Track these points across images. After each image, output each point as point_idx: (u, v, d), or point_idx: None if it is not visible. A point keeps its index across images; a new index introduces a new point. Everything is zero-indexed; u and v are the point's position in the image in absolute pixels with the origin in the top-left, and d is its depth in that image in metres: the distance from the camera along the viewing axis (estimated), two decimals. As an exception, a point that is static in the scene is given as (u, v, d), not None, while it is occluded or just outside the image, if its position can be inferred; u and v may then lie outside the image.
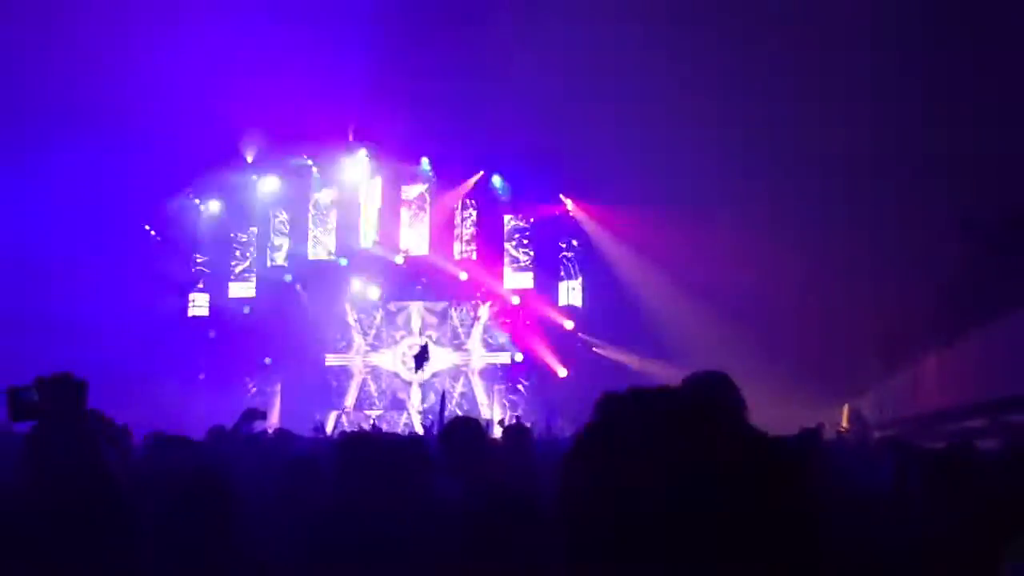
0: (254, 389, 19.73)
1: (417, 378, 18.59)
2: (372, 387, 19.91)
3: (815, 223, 14.66)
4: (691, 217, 15.85)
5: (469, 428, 3.69)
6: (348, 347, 20.16)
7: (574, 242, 19.49)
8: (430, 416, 14.36)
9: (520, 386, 19.16)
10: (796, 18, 13.96)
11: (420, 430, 11.41)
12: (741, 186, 15.37)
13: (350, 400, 19.84)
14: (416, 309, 20.05)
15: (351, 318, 20.20)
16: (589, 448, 1.10)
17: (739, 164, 15.34)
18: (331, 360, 20.12)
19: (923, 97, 13.08)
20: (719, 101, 15.10)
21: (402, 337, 19.80)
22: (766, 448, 1.09)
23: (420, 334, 19.51)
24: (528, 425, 7.24)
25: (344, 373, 20.09)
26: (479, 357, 19.58)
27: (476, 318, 19.71)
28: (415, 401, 19.28)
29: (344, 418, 19.04)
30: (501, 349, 19.49)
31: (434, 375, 18.97)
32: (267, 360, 19.98)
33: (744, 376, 2.79)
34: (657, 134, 15.81)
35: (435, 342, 19.05)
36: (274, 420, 17.79)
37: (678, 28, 14.93)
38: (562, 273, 19.57)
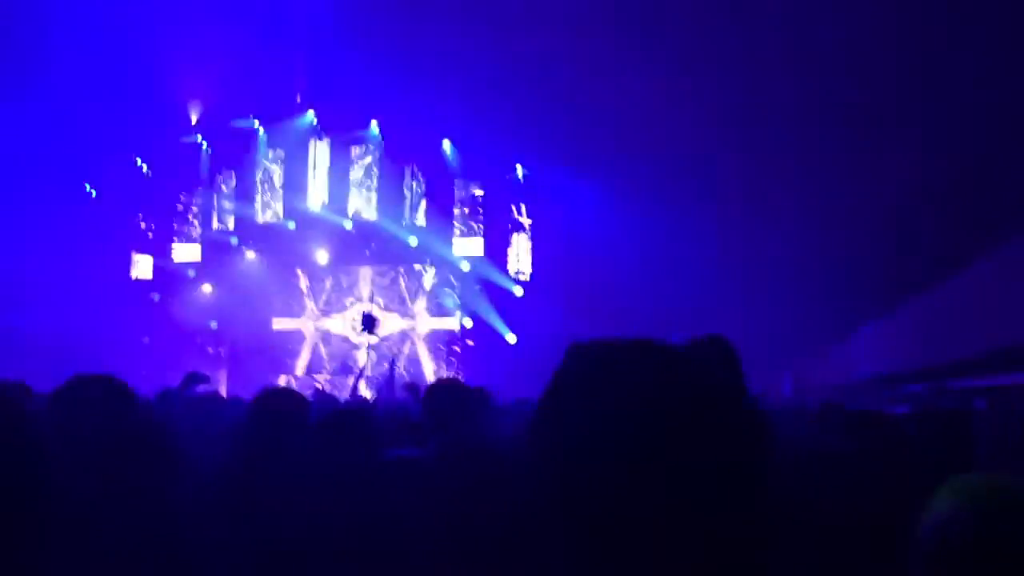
0: (211, 351, 19.50)
1: (364, 341, 18.49)
2: (324, 351, 19.77)
3: (766, 190, 14.80)
4: (644, 185, 15.91)
5: (453, 391, 3.66)
6: (299, 311, 19.96)
7: (524, 209, 19.42)
8: (378, 379, 14.33)
9: (457, 347, 19.15)
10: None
11: (367, 394, 11.37)
12: (697, 153, 15.43)
13: (301, 364, 19.68)
14: (365, 274, 19.90)
15: (303, 283, 19.99)
16: (559, 401, 1.03)
17: (696, 130, 15.36)
18: (279, 324, 19.91)
19: (894, 64, 13.23)
20: (681, 66, 15.10)
21: (351, 303, 19.64)
22: (759, 414, 1.03)
23: (369, 300, 19.39)
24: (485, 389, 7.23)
25: (294, 337, 19.90)
26: (426, 322, 19.51)
27: (423, 285, 19.62)
28: (363, 365, 19.17)
29: (292, 382, 18.88)
30: (448, 314, 19.45)
31: (383, 340, 18.86)
32: (213, 324, 19.70)
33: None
34: (613, 100, 15.79)
35: (383, 308, 18.95)
36: (222, 385, 17.61)
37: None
38: (512, 240, 19.52)
